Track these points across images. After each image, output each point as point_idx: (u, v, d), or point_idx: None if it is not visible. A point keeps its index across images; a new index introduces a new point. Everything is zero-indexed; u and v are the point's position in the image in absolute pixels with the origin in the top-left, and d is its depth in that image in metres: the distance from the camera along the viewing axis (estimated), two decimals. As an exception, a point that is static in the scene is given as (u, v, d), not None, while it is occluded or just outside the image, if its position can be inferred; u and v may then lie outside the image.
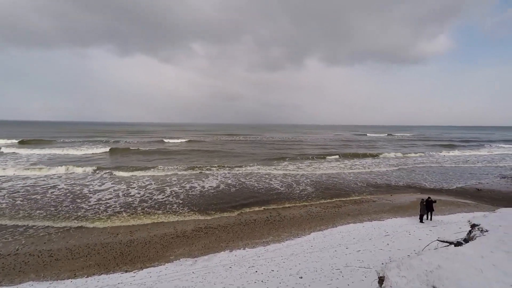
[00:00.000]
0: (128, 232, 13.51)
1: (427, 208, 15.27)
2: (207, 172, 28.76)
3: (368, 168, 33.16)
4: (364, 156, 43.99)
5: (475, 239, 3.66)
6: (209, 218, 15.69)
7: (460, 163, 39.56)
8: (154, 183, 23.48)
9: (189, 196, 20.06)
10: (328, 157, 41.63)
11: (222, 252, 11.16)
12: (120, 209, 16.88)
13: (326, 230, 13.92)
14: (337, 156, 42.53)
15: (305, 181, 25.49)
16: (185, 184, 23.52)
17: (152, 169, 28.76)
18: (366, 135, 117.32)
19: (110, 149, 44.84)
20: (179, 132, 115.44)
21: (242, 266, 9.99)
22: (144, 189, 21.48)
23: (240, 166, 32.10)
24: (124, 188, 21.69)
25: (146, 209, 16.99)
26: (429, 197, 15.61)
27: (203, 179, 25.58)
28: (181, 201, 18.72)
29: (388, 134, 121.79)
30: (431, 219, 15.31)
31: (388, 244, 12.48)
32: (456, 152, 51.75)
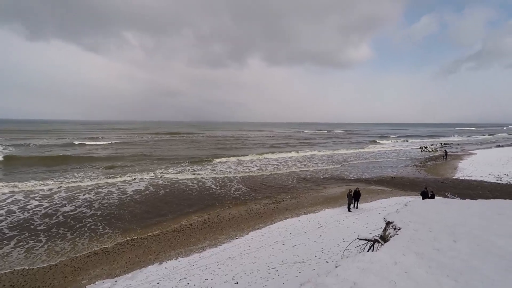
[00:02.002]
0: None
1: (354, 198, 16.66)
2: (129, 178, 24.34)
3: (304, 164, 35.00)
4: (301, 151, 46.69)
5: (390, 239, 3.68)
6: (136, 228, 13.65)
7: (380, 154, 45.42)
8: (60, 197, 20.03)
9: (106, 206, 16.88)
10: (269, 154, 42.61)
11: (150, 266, 9.84)
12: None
13: (264, 228, 13.78)
14: (278, 153, 43.94)
15: (246, 180, 25.25)
16: (102, 190, 20.46)
17: (56, 179, 23.25)
18: (303, 132, 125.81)
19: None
20: (106, 132, 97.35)
21: (172, 280, 8.94)
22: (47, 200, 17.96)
23: (174, 167, 29.81)
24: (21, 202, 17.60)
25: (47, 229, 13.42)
26: (357, 188, 17.02)
27: (126, 185, 22.32)
28: (95, 213, 15.65)
29: (320, 130, 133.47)
30: (357, 207, 16.71)
31: (321, 235, 12.99)
32: (377, 146, 59.52)
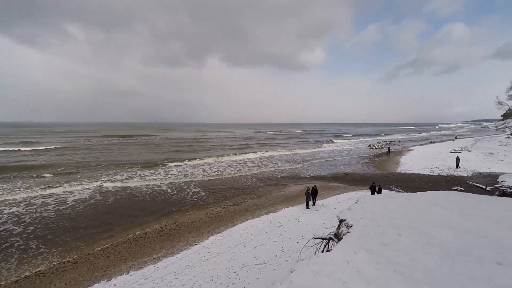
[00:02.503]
0: None
1: (312, 195, 17.31)
2: (70, 188, 21.55)
3: (264, 165, 35.50)
4: (262, 152, 47.33)
5: (343, 237, 3.77)
6: (79, 244, 11.95)
7: (335, 153, 48.40)
8: None
9: (41, 220, 14.75)
10: (230, 156, 42.25)
11: (96, 284, 8.77)
12: None
13: (225, 231, 13.46)
14: (238, 155, 43.83)
15: (205, 183, 24.57)
16: (36, 201, 17.83)
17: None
18: (264, 132, 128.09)
19: None
20: (45, 135, 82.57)
21: (122, 297, 8.15)
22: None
23: (125, 173, 27.43)
24: None
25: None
26: (314, 186, 17.71)
27: (67, 194, 19.84)
28: (25, 230, 13.35)
29: (281, 131, 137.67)
30: (314, 204, 17.37)
31: (281, 234, 13.14)
32: (332, 145, 63.37)
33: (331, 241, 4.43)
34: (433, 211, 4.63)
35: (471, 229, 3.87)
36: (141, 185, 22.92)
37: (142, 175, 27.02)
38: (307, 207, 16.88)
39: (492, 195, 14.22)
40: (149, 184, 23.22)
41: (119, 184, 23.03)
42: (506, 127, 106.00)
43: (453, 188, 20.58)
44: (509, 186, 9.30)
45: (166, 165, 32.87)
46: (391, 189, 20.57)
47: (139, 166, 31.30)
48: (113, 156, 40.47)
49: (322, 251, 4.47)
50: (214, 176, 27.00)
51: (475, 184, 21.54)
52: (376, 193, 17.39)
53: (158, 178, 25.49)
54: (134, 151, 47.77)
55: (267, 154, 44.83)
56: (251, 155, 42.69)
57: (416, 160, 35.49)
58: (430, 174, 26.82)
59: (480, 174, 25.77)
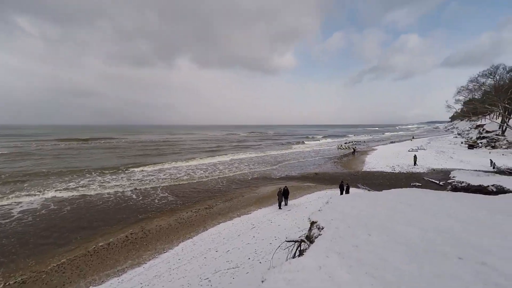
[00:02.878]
0: None
1: (284, 195, 17.45)
2: (16, 199, 19.02)
3: (235, 167, 35.32)
4: (234, 154, 47.04)
5: (314, 240, 3.72)
6: (29, 261, 10.54)
7: (306, 153, 49.68)
8: None
9: None
10: (203, 158, 41.26)
11: (49, 305, 7.90)
12: None
13: (196, 236, 12.95)
14: (210, 157, 43.00)
15: (175, 188, 23.70)
16: None
17: None
18: (237, 134, 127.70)
19: None
20: None
21: (80, 318, 7.36)
22: None
23: (85, 179, 25.25)
24: None
25: None
26: (285, 186, 17.87)
27: (12, 205, 17.66)
28: None
29: (253, 132, 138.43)
30: (286, 204, 17.51)
31: (254, 236, 13.00)
32: (302, 146, 65.16)
33: (303, 243, 4.37)
34: (399, 208, 4.81)
35: (433, 225, 4.04)
36: (102, 192, 21.18)
37: (103, 181, 25.00)
38: (280, 208, 16.95)
39: (444, 189, 15.45)
40: (111, 191, 21.48)
41: (76, 193, 20.94)
42: (454, 127, 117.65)
43: (412, 184, 22.15)
44: (460, 181, 10.19)
45: (130, 169, 30.71)
46: (358, 187, 21.54)
47: (100, 172, 28.93)
48: (70, 161, 36.56)
49: (295, 255, 4.40)
50: (183, 180, 25.98)
51: (430, 179, 23.40)
52: (344, 192, 18.06)
53: (121, 184, 23.73)
54: (95, 155, 43.69)
55: (239, 156, 44.53)
56: (223, 158, 42.00)
57: (379, 159, 37.73)
58: (392, 171, 28.63)
59: (434, 170, 28.11)
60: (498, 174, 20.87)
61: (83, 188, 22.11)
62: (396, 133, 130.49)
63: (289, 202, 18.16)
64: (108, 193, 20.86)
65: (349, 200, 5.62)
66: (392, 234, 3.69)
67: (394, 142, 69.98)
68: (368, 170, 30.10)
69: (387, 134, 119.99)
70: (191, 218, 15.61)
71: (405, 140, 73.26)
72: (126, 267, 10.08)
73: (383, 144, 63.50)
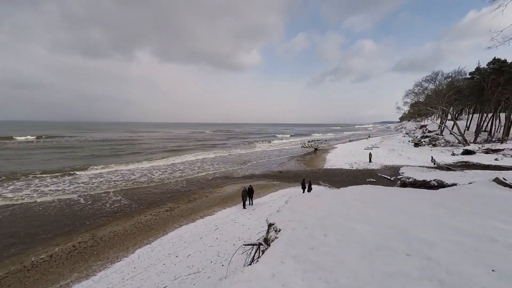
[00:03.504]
0: None
1: (248, 195, 17.32)
2: None
3: (198, 167, 34.40)
4: (199, 153, 45.81)
5: (271, 244, 3.57)
6: None
7: (271, 152, 50.34)
8: None
9: None
10: (161, 158, 39.40)
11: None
12: None
13: (155, 242, 12.16)
14: (173, 157, 41.24)
15: (132, 190, 22.22)
16: None
17: None
18: (203, 132, 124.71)
19: None
20: None
21: None
22: None
23: (22, 183, 22.36)
24: None
25: None
26: (250, 185, 17.75)
27: None
28: None
29: (220, 130, 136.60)
30: (251, 203, 17.41)
31: (217, 238, 12.62)
32: (267, 145, 66.01)
33: (261, 246, 4.21)
34: (354, 206, 4.91)
35: (385, 222, 4.17)
36: (44, 200, 18.63)
37: (43, 185, 22.19)
38: (244, 207, 16.78)
39: (395, 184, 16.70)
40: (54, 197, 19.13)
41: (8, 201, 18.07)
42: (402, 127, 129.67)
43: (367, 180, 23.66)
44: (407, 177, 11.09)
45: (78, 171, 27.70)
46: (320, 184, 22.34)
47: (42, 175, 25.63)
48: (5, 163, 31.62)
49: (253, 258, 4.22)
50: (141, 182, 24.23)
51: (383, 175, 25.28)
52: (306, 189, 18.55)
53: (65, 189, 21.18)
54: (37, 156, 38.35)
55: (204, 155, 43.40)
56: (187, 157, 40.44)
57: (339, 157, 39.80)
58: (350, 168, 30.35)
59: (386, 166, 30.48)
60: (438, 169, 23.28)
61: (18, 194, 19.35)
62: (354, 132, 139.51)
63: (254, 201, 18.10)
64: (51, 200, 18.55)
65: (308, 199, 5.62)
66: (347, 233, 3.70)
67: (352, 140, 74.60)
68: (329, 167, 31.50)
69: (346, 133, 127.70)
70: (150, 222, 14.65)
71: (362, 139, 78.57)
72: (72, 281, 8.99)
73: (342, 143, 67.25)
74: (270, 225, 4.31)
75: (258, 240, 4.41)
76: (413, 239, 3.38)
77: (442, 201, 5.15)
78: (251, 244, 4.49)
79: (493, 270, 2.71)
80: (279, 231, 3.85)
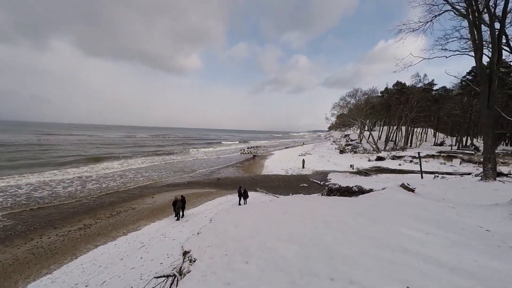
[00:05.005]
0: None
1: (182, 205, 15.96)
2: None
3: (122, 176, 30.91)
4: (126, 159, 41.15)
5: (184, 276, 2.91)
6: None
7: (211, 158, 48.86)
8: None
9: None
10: (77, 167, 33.92)
11: None
12: None
13: (58, 270, 9.81)
14: (95, 163, 35.94)
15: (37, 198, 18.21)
16: None
17: None
18: (138, 136, 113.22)
19: None
20: None
21: None
22: None
23: None
24: None
25: None
26: (182, 196, 16.39)
27: None
28: None
29: (157, 135, 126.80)
30: (183, 215, 16.03)
31: (142, 257, 11.00)
32: (207, 150, 64.25)
33: (177, 276, 3.49)
34: (282, 221, 4.66)
35: (310, 238, 3.98)
36: None
37: None
38: (177, 219, 15.42)
39: (324, 188, 17.79)
40: None
41: None
42: (331, 136, 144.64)
43: (301, 185, 24.91)
44: (334, 183, 11.91)
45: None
46: (257, 191, 22.42)
47: None
48: None
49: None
50: (45, 197, 20.20)
51: (314, 180, 27.07)
52: (242, 197, 18.32)
53: None
54: None
55: (135, 162, 39.10)
56: (114, 164, 35.62)
57: (276, 163, 41.31)
58: (285, 174, 31.66)
59: (317, 172, 32.91)
60: (357, 174, 26.19)
61: None
62: (291, 139, 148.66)
63: (189, 211, 16.90)
64: None
65: (235, 215, 5.13)
66: (271, 257, 3.31)
67: (288, 147, 78.99)
68: (266, 173, 32.19)
69: (283, 140, 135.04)
70: (54, 244, 11.93)
71: (297, 146, 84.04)
72: None
73: (279, 149, 70.48)
74: (185, 254, 3.63)
75: (173, 270, 3.67)
76: (337, 257, 3.22)
77: (362, 210, 5.38)
78: (164, 276, 3.71)
79: (408, 287, 2.71)
80: (194, 261, 3.21)
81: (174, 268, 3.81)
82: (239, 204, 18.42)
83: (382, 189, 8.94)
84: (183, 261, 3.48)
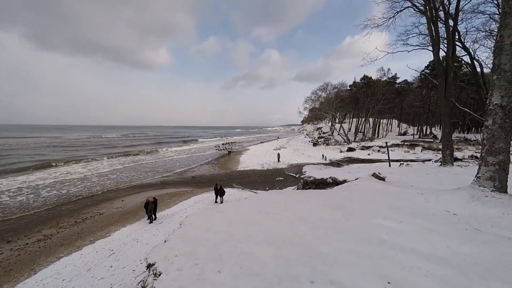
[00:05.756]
0: None
1: (154, 207, 15.10)
2: None
3: (91, 179, 28.89)
4: (94, 161, 38.40)
5: None
6: None
7: (184, 156, 47.33)
8: None
9: None
10: (32, 172, 30.98)
11: None
12: None
13: (11, 290, 8.77)
14: (54, 167, 33.02)
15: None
16: None
17: None
18: (106, 137, 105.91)
19: None
20: None
21: None
22: None
23: None
24: None
25: None
26: (154, 197, 15.51)
27: None
28: None
29: (126, 134, 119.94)
30: (155, 218, 15.16)
31: (112, 266, 10.16)
32: (181, 148, 62.23)
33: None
34: (258, 221, 4.39)
35: (288, 236, 3.77)
36: None
37: None
38: (150, 221, 14.59)
39: (300, 181, 17.94)
40: None
41: None
42: (304, 129, 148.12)
43: (277, 179, 25.01)
44: (309, 176, 11.99)
45: None
46: (233, 187, 22.07)
47: None
48: None
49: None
50: None
51: (290, 173, 27.36)
52: (219, 195, 17.91)
53: None
54: None
55: (100, 164, 36.63)
56: (76, 167, 32.93)
57: (252, 158, 41.18)
58: (262, 169, 31.64)
59: (292, 165, 33.35)
60: (331, 166, 26.92)
61: None
62: (266, 134, 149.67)
63: (163, 212, 16.16)
64: None
65: (207, 218, 4.76)
66: (246, 263, 3.03)
67: (263, 142, 79.34)
68: (242, 169, 31.90)
69: (258, 135, 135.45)
70: (8, 261, 10.62)
71: (272, 140, 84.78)
72: None
73: (255, 144, 70.52)
74: (149, 266, 3.20)
75: (139, 283, 3.24)
76: (316, 256, 3.04)
77: (338, 202, 5.32)
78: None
79: (389, 283, 2.60)
80: (159, 275, 2.82)
81: (139, 283, 3.38)
82: (216, 201, 17.97)
83: (355, 179, 9.10)
84: (148, 276, 3.07)
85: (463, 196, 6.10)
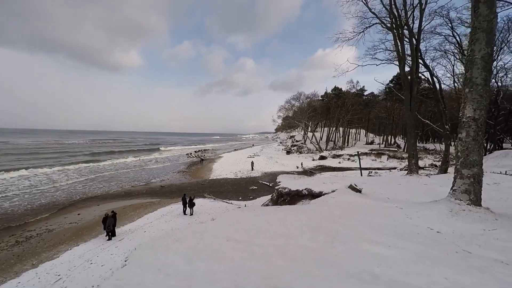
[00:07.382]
0: None
1: (113, 222, 13.44)
2: None
3: (40, 189, 25.77)
4: (49, 167, 34.43)
5: None
6: None
7: (153, 163, 44.53)
8: None
9: None
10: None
11: None
12: None
13: None
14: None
15: None
16: None
17: None
18: (68, 142, 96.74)
19: None
20: None
21: None
22: None
23: None
24: None
25: None
26: (113, 211, 13.80)
27: None
28: None
29: (92, 139, 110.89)
30: (114, 234, 13.47)
31: (54, 296, 8.63)
32: (151, 156, 58.76)
33: None
34: (225, 253, 3.50)
35: (260, 278, 3.00)
36: None
37: None
38: (108, 239, 12.91)
39: (273, 190, 17.29)
40: None
41: None
42: (278, 137, 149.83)
43: (250, 188, 24.18)
44: (284, 187, 11.41)
45: None
46: (205, 197, 20.81)
47: None
48: None
49: None
50: None
51: (264, 182, 26.66)
52: (188, 206, 16.68)
53: None
54: None
55: (60, 168, 32.99)
56: (23, 172, 29.37)
57: (225, 166, 39.97)
58: (235, 177, 30.61)
59: (266, 173, 32.76)
60: (304, 174, 26.84)
61: None
62: (240, 142, 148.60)
63: (126, 226, 14.59)
64: None
65: (161, 249, 3.75)
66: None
67: (237, 149, 78.25)
68: (214, 177, 30.61)
69: (232, 142, 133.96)
70: None
71: (246, 148, 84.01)
72: None
73: (228, 152, 69.20)
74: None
75: None
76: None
77: (318, 223, 4.69)
78: None
79: None
80: None
81: None
82: (184, 213, 16.68)
83: (332, 191, 8.68)
84: None
85: (442, 211, 5.89)
